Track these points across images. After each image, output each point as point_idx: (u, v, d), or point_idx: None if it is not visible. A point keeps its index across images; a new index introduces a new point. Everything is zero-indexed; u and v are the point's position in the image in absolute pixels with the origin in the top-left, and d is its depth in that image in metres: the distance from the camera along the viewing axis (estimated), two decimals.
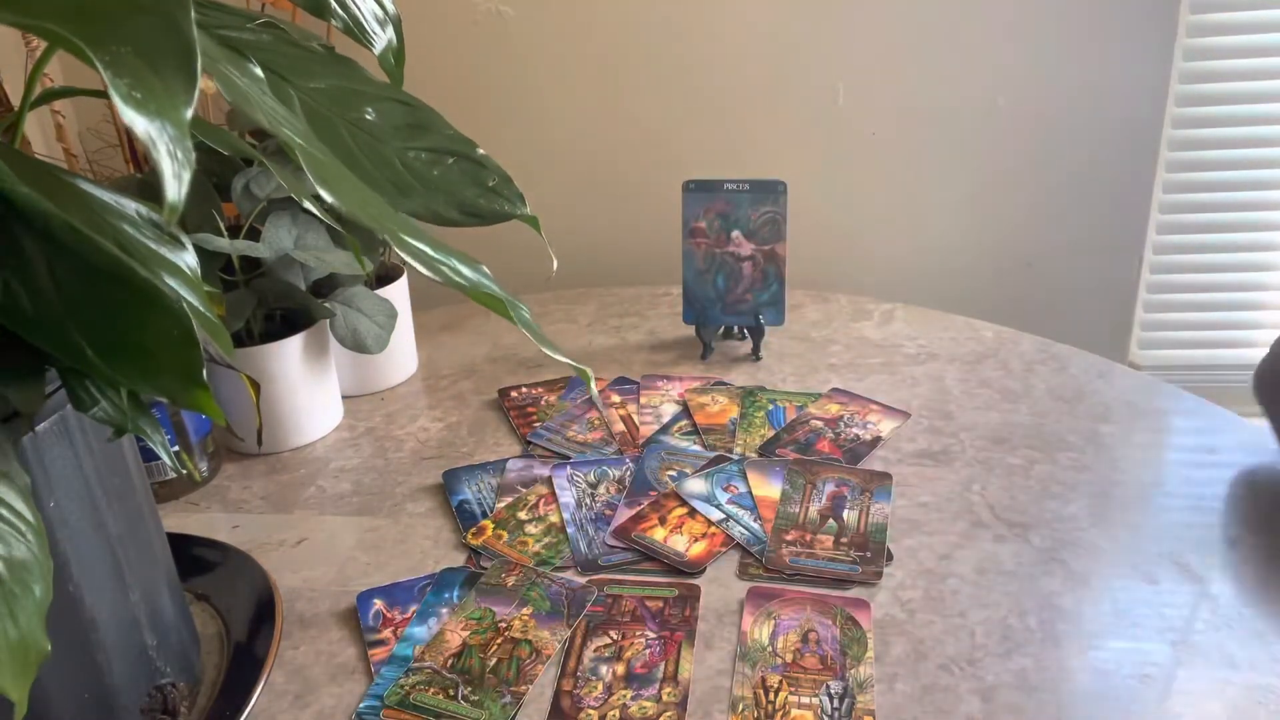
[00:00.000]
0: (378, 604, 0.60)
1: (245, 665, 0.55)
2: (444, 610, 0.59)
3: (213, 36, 0.46)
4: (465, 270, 0.42)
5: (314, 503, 0.73)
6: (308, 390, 0.79)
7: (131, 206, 0.38)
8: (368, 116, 0.52)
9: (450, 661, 0.55)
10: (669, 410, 0.83)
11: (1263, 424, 0.72)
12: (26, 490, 0.36)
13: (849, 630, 0.56)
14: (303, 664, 0.56)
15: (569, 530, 0.66)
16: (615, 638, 0.57)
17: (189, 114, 0.26)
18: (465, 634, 0.57)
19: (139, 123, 0.25)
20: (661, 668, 0.54)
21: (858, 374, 0.88)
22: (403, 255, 0.39)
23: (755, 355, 0.92)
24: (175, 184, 0.25)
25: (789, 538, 0.64)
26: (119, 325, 0.37)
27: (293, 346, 0.77)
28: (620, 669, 0.54)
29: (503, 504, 0.70)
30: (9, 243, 0.36)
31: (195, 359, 0.36)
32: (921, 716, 0.50)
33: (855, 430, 0.78)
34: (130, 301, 0.36)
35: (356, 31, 0.53)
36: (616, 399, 0.85)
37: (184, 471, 0.74)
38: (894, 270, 1.18)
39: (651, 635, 0.57)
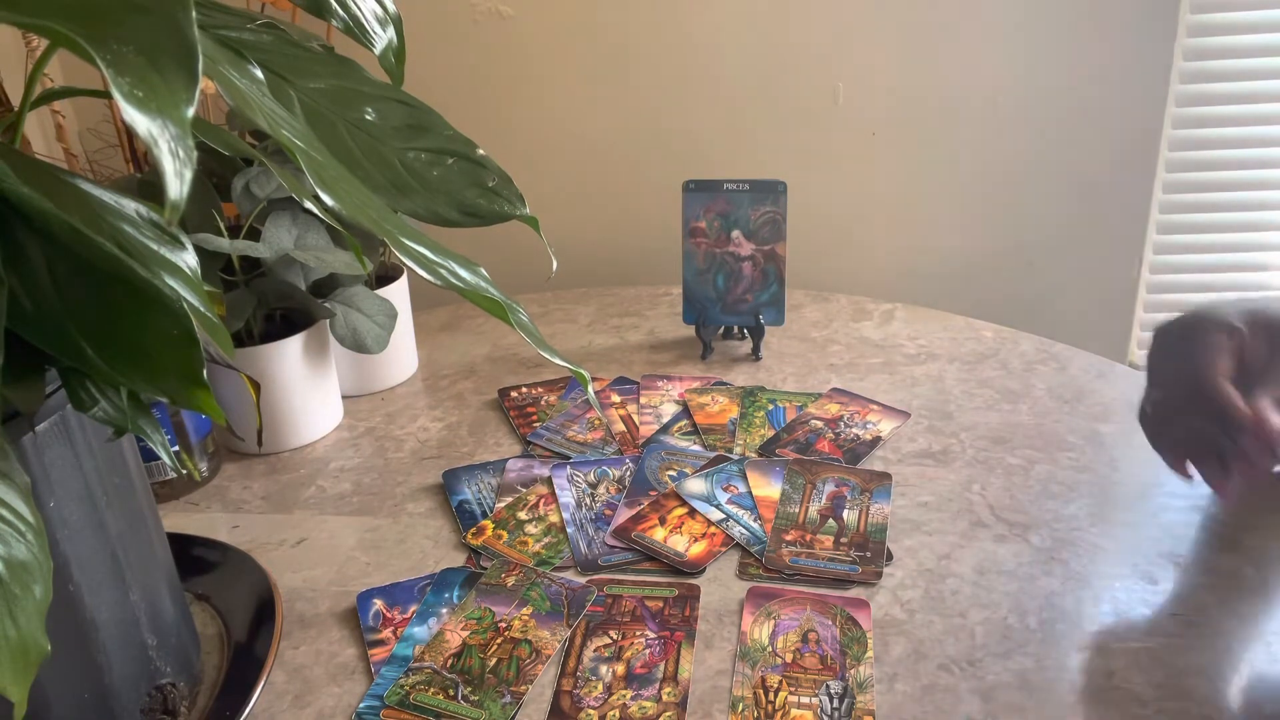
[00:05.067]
0: (378, 604, 0.60)
1: (245, 665, 0.55)
2: (444, 610, 0.59)
3: (213, 37, 0.46)
4: (464, 273, 0.42)
5: (314, 503, 0.73)
6: (308, 390, 0.79)
7: (131, 206, 0.38)
8: (368, 116, 0.52)
9: (450, 661, 0.55)
10: (669, 410, 0.83)
11: None
12: (26, 490, 0.36)
13: (849, 630, 0.56)
14: (303, 664, 0.56)
15: (569, 530, 0.66)
16: (615, 638, 0.57)
17: (190, 112, 0.26)
18: (465, 634, 0.57)
19: (140, 121, 0.25)
20: (661, 668, 0.54)
21: (858, 374, 0.88)
22: (402, 258, 0.39)
23: (755, 355, 0.92)
24: (177, 182, 0.25)
25: (789, 538, 0.64)
26: (119, 325, 0.37)
27: (293, 346, 0.77)
28: (620, 669, 0.54)
29: (503, 504, 0.70)
30: (9, 243, 0.36)
31: (195, 359, 0.36)
32: (921, 716, 0.50)
33: (855, 430, 0.78)
34: (130, 301, 0.36)
35: (356, 31, 0.53)
36: (616, 399, 0.85)
37: (184, 471, 0.74)
38: (894, 270, 1.18)
39: (651, 635, 0.57)
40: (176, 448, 0.73)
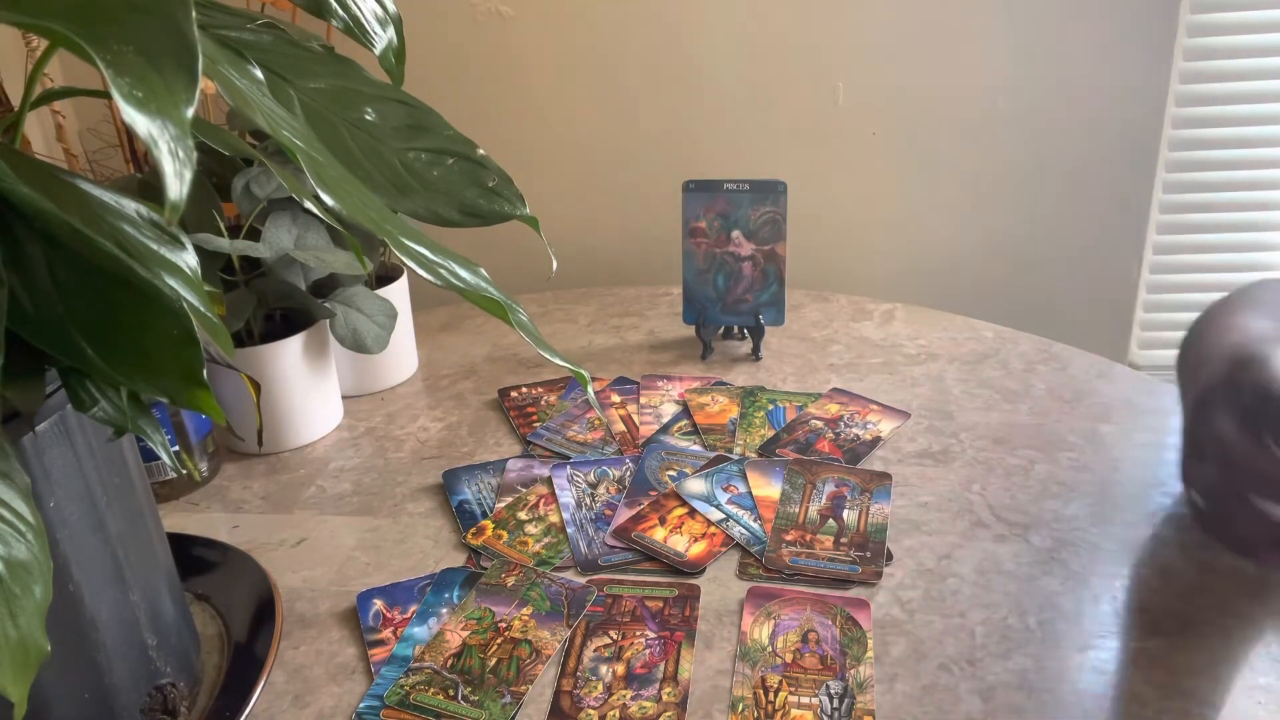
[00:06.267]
0: (378, 604, 0.60)
1: (245, 665, 0.55)
2: (444, 610, 0.59)
3: (213, 37, 0.46)
4: (464, 273, 0.42)
5: (314, 503, 0.73)
6: (308, 390, 0.79)
7: (131, 206, 0.38)
8: (368, 117, 0.52)
9: (450, 661, 0.55)
10: (669, 410, 0.83)
11: None
12: (26, 490, 0.36)
13: (849, 630, 0.56)
14: (303, 664, 0.56)
15: (569, 530, 0.66)
16: (615, 638, 0.57)
17: (190, 113, 0.26)
18: (465, 634, 0.57)
19: (140, 121, 0.25)
20: (661, 668, 0.54)
21: (858, 374, 0.88)
22: (402, 258, 0.39)
23: (755, 355, 0.92)
24: (177, 183, 0.25)
25: (789, 538, 0.64)
26: (119, 325, 0.37)
27: (293, 346, 0.77)
28: (620, 669, 0.54)
29: (503, 504, 0.70)
30: (9, 243, 0.36)
31: (195, 359, 0.36)
32: (921, 716, 0.50)
33: (855, 430, 0.78)
34: (130, 301, 0.36)
35: (357, 31, 0.53)
36: (616, 399, 0.85)
37: (184, 471, 0.74)
38: (894, 270, 1.18)
39: (651, 635, 0.57)
40: (176, 448, 0.73)
